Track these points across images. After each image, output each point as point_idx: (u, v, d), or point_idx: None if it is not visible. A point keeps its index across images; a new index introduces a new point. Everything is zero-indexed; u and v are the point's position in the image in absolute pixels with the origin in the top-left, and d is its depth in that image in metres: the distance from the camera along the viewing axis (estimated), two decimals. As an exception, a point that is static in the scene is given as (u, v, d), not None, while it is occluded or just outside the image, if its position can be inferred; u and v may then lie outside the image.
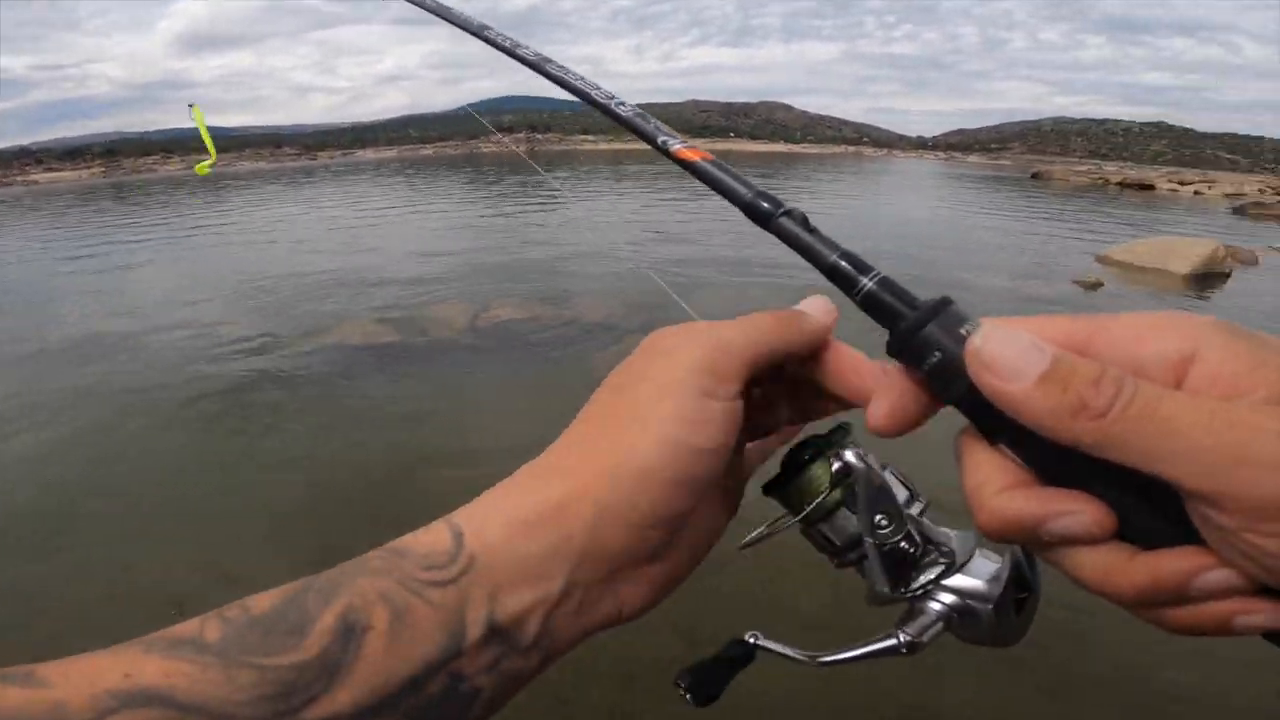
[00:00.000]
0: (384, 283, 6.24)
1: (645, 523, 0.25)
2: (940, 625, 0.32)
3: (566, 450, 0.27)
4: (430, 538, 0.24)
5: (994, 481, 0.22)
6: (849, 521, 0.32)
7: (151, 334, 4.99)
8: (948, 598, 0.31)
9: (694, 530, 0.28)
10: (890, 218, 12.31)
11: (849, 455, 0.31)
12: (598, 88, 0.37)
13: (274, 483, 2.92)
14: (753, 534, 0.34)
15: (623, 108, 0.35)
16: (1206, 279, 6.54)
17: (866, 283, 0.26)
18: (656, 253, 7.71)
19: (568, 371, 4.10)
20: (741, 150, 54.39)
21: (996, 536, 0.22)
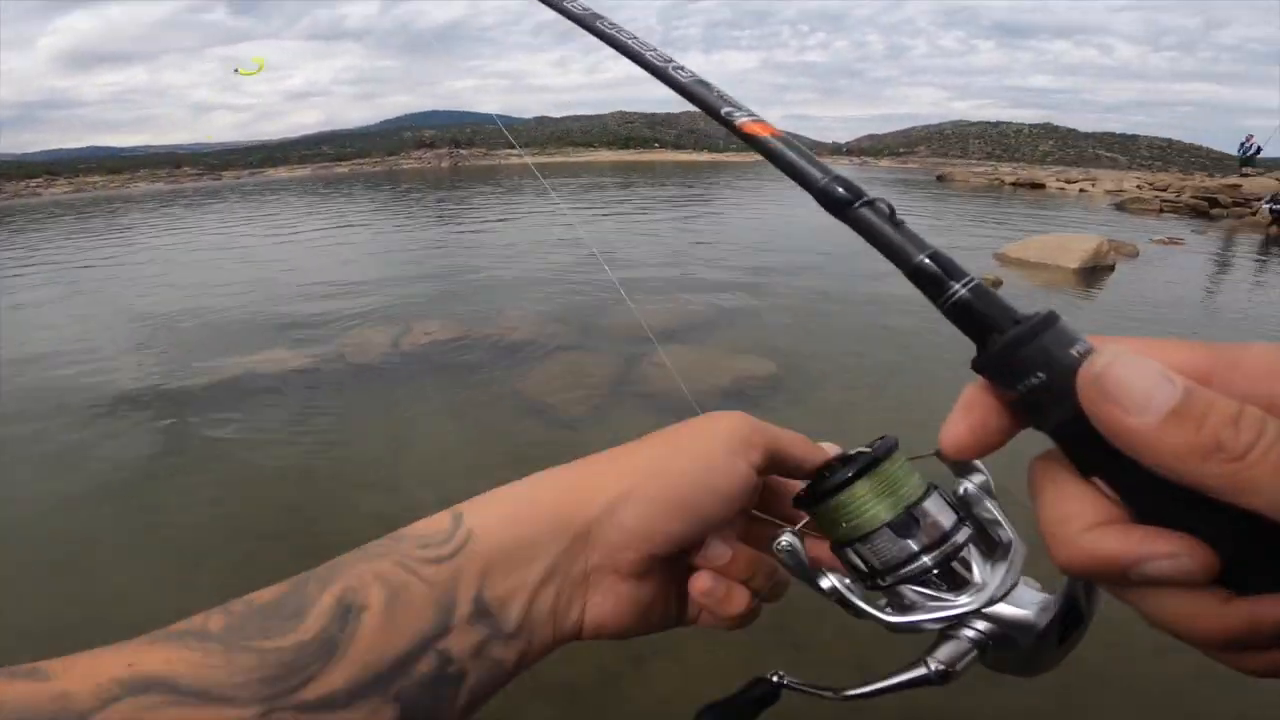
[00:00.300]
0: (298, 307, 5.95)
1: (641, 532, 0.27)
2: (974, 653, 0.30)
3: (600, 458, 0.29)
4: (431, 522, 0.25)
5: (1084, 517, 0.20)
6: (891, 545, 0.30)
7: (44, 369, 4.57)
8: (983, 625, 0.30)
9: (665, 595, 0.31)
10: (809, 224, 12.74)
11: (905, 475, 0.31)
12: (653, 49, 0.35)
13: (184, 522, 2.73)
14: (783, 541, 0.32)
15: (681, 73, 0.34)
16: (1094, 272, 7.09)
17: (959, 289, 0.24)
18: (595, 271, 7.68)
19: (495, 390, 4.03)
20: (666, 160, 55.17)
21: (1079, 574, 0.21)
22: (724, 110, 0.31)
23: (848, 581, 0.32)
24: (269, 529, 2.68)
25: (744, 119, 0.30)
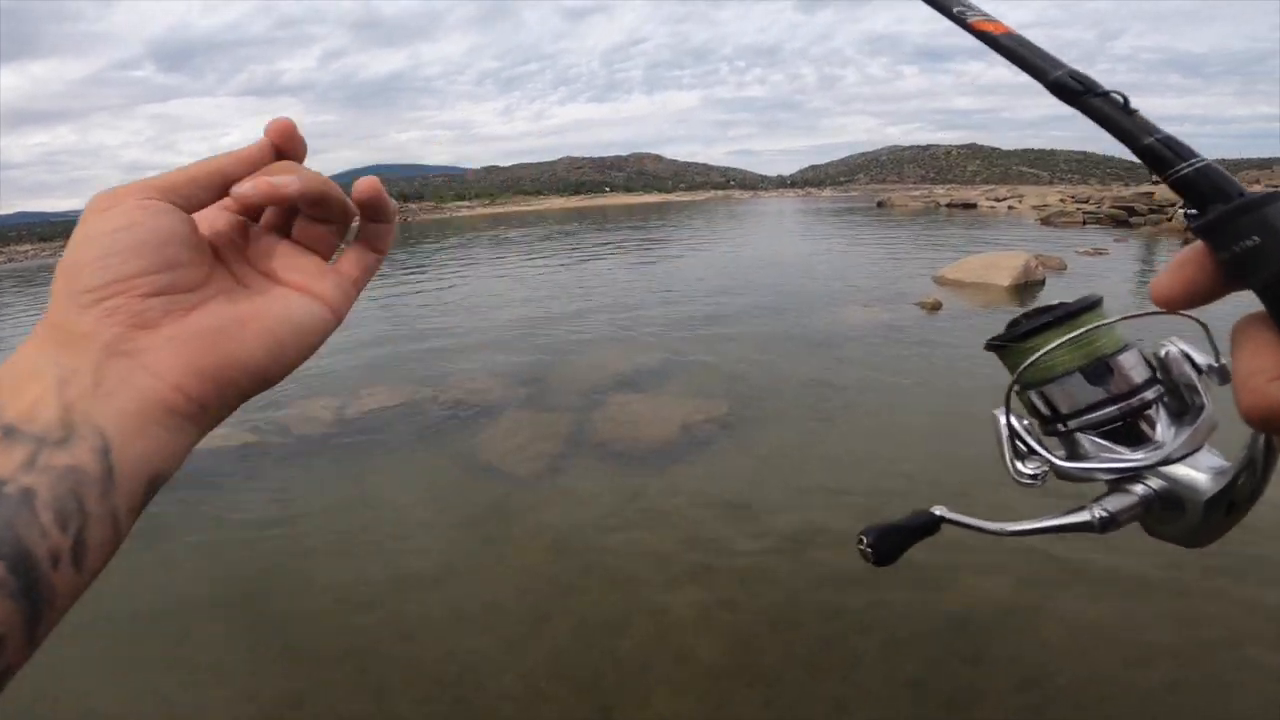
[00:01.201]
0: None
1: (88, 297, 0.25)
2: (1139, 509, 0.32)
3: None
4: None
5: (1276, 368, 0.22)
6: (1080, 391, 0.33)
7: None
8: (1155, 482, 0.31)
9: (261, 314, 0.29)
10: (757, 257, 13.02)
11: (1105, 330, 0.33)
12: None
13: (123, 603, 2.55)
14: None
15: None
16: (1025, 288, 7.39)
17: (1184, 168, 0.26)
18: (542, 329, 7.66)
19: (447, 454, 3.92)
20: (618, 204, 56.11)
21: (1260, 421, 0.22)
22: (955, 9, 0.32)
23: (1026, 422, 0.35)
24: (217, 601, 2.59)
25: (976, 18, 0.32)
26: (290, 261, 0.31)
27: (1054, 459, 0.34)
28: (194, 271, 0.28)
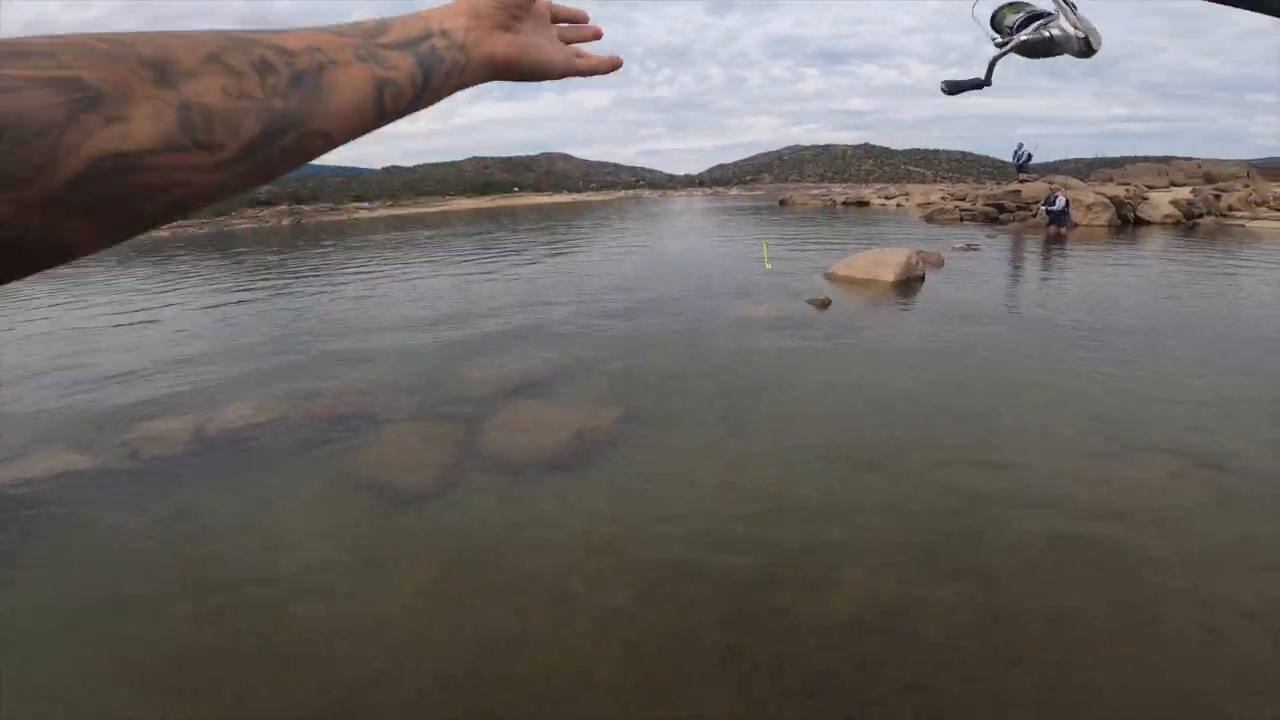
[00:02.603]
0: (83, 401, 5.14)
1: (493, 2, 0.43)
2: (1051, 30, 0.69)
3: None
4: (405, 23, 0.40)
5: None
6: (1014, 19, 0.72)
7: None
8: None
9: (534, 45, 0.46)
10: (661, 257, 13.14)
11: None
12: None
13: None
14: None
15: None
16: (907, 283, 7.85)
17: None
18: (444, 331, 7.35)
19: (327, 470, 3.65)
20: (528, 204, 55.16)
21: None
22: None
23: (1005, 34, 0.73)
24: (60, 637, 2.28)
25: None
26: (553, 33, 0.50)
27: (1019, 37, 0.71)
28: (528, 13, 0.46)
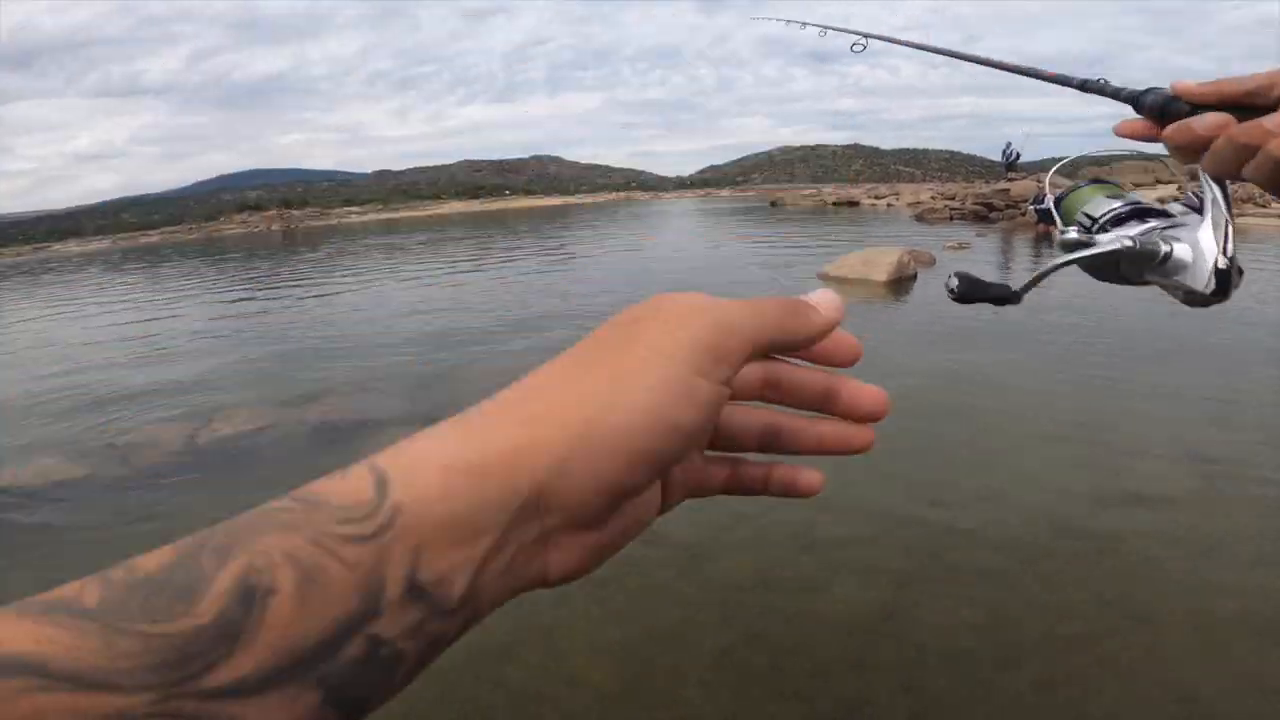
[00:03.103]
0: (74, 409, 5.08)
1: (600, 490, 0.22)
2: (1153, 241, 0.49)
3: (530, 394, 0.23)
4: (349, 485, 0.21)
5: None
6: (1107, 206, 0.54)
7: None
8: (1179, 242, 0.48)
9: (635, 505, 0.25)
10: (657, 259, 13.14)
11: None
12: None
13: None
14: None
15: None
16: (900, 282, 7.87)
17: None
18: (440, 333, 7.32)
19: (320, 475, 3.61)
20: (520, 207, 55.14)
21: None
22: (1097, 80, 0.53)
23: (1078, 227, 0.55)
24: None
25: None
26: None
27: (1108, 243, 0.51)
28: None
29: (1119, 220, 0.52)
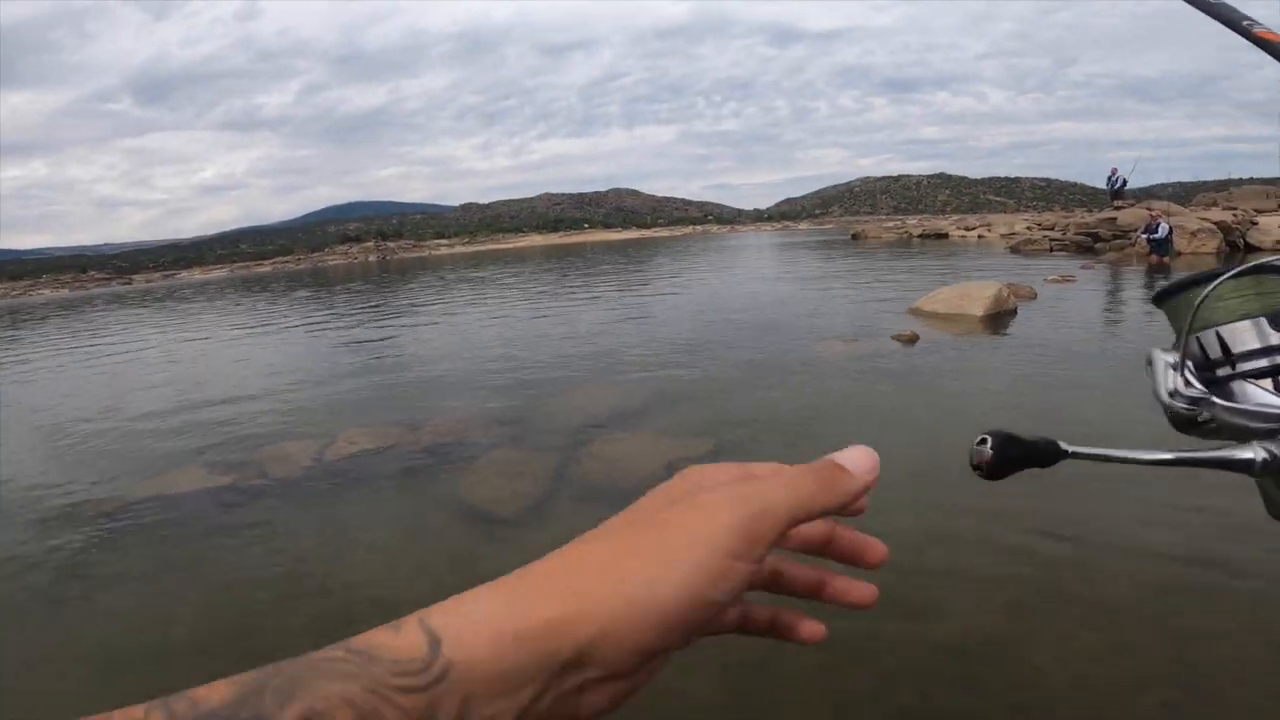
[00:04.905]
0: (213, 424, 5.65)
1: (636, 654, 0.25)
2: None
3: (576, 568, 0.26)
4: (403, 642, 0.22)
5: None
6: (1252, 335, 0.32)
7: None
8: None
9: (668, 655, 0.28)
10: (738, 293, 13.17)
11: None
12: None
13: (103, 638, 2.61)
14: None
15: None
16: (998, 318, 7.55)
17: None
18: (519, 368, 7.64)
19: (429, 496, 3.88)
20: (597, 240, 56.58)
21: None
22: (1244, 23, 0.36)
23: (1188, 364, 0.34)
24: (196, 643, 2.57)
25: (1261, 29, 0.35)
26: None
27: (1217, 399, 0.33)
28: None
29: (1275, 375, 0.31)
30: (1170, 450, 0.32)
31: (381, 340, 10.07)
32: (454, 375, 6.90)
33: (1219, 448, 0.32)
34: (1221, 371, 0.33)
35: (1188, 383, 0.33)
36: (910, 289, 10.24)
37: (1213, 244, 14.40)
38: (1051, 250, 17.35)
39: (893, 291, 10.59)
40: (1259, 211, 17.20)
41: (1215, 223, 14.97)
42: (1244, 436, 0.32)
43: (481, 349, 8.31)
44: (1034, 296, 8.98)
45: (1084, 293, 9.81)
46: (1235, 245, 14.59)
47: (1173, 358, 0.34)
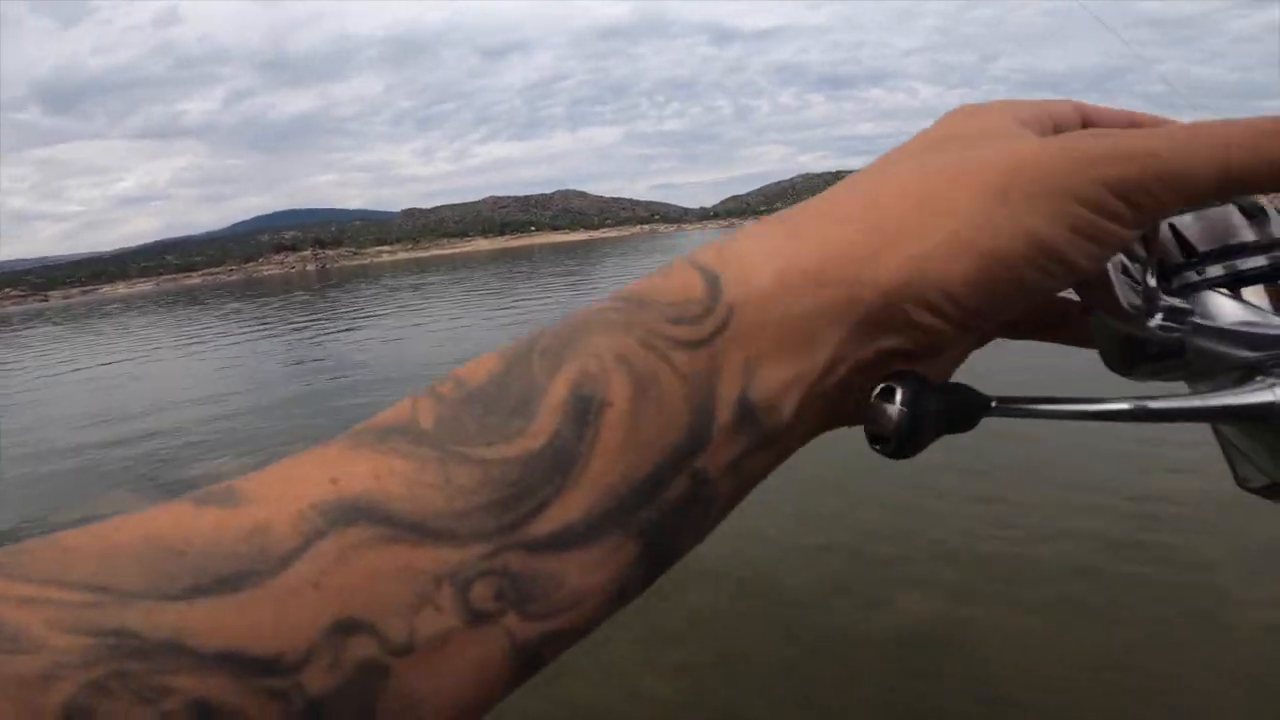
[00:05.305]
0: (143, 445, 5.31)
1: (953, 300, 0.18)
2: None
3: (869, 201, 0.19)
4: (675, 282, 0.18)
5: None
6: (1228, 224, 0.23)
7: None
8: None
9: (960, 349, 0.22)
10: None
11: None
12: None
13: None
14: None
15: None
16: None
17: None
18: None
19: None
20: (546, 242, 56.27)
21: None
22: None
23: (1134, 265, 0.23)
24: None
25: None
26: None
27: (1198, 317, 0.23)
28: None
29: (1244, 280, 0.25)
30: (1131, 399, 0.22)
31: (325, 349, 9.71)
32: (408, 381, 6.70)
33: (1208, 391, 0.23)
34: (1182, 278, 0.24)
35: (1161, 290, 0.23)
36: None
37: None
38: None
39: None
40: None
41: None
42: (1211, 370, 0.24)
43: (429, 361, 8.10)
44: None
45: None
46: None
47: (1119, 259, 0.24)
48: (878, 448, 0.21)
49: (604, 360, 0.17)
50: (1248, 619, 2.16)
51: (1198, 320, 0.23)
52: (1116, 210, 0.18)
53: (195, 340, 13.19)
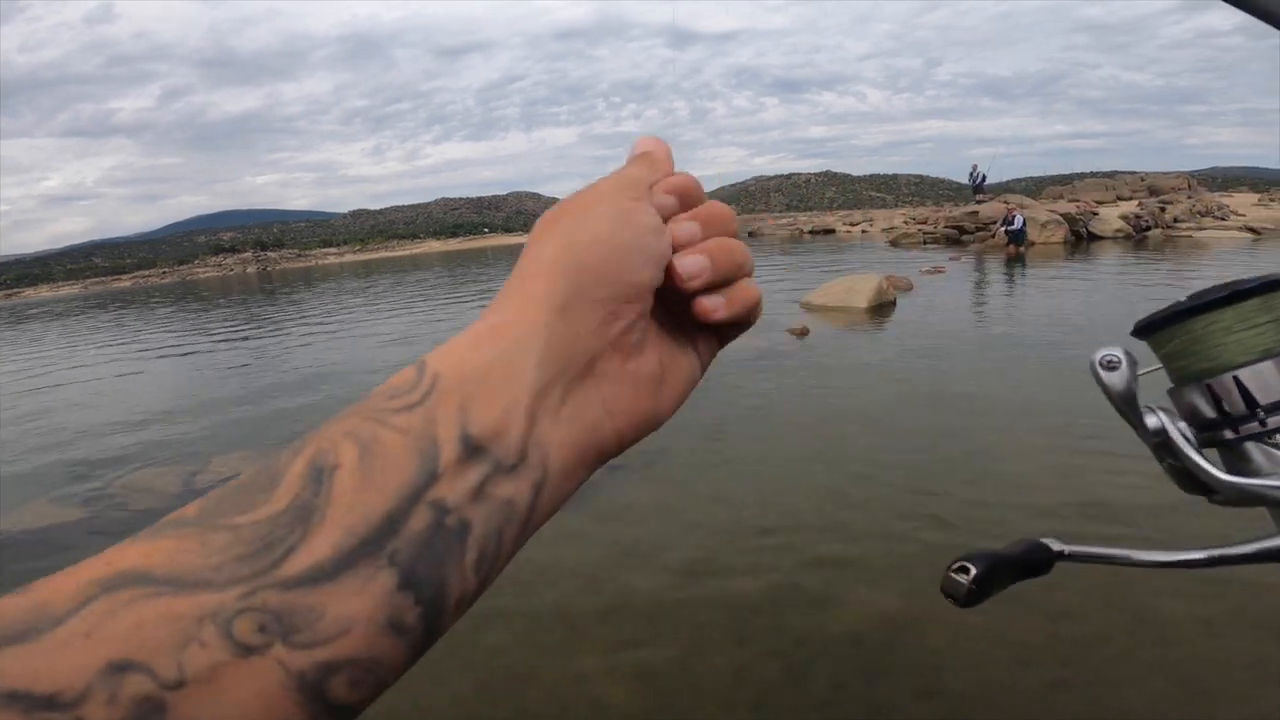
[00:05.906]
0: (63, 455, 5.03)
1: (605, 292, 0.24)
2: None
3: (517, 270, 0.25)
4: (395, 377, 0.22)
5: None
6: (1273, 381, 0.23)
7: None
8: None
9: (674, 350, 0.27)
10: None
11: None
12: None
13: None
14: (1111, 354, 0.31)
15: None
16: (880, 308, 8.07)
17: None
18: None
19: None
20: (499, 244, 55.48)
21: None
22: None
23: (1183, 425, 0.27)
24: None
25: None
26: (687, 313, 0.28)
27: (1220, 474, 0.25)
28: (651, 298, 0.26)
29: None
30: (1204, 549, 0.27)
31: (266, 354, 9.34)
32: (348, 387, 6.50)
33: (1255, 538, 0.26)
34: (1245, 428, 0.25)
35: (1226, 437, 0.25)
36: (802, 283, 10.74)
37: (1060, 233, 16.12)
38: (925, 243, 18.77)
39: (787, 285, 11.07)
40: (1099, 203, 19.47)
41: (1062, 214, 16.77)
42: None
43: (372, 364, 7.88)
44: (911, 287, 9.67)
45: (953, 283, 10.69)
46: (1080, 234, 16.40)
47: (1175, 420, 0.26)
48: (950, 601, 0.28)
49: (334, 438, 0.20)
50: (1185, 615, 2.29)
51: (1230, 478, 0.26)
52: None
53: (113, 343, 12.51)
